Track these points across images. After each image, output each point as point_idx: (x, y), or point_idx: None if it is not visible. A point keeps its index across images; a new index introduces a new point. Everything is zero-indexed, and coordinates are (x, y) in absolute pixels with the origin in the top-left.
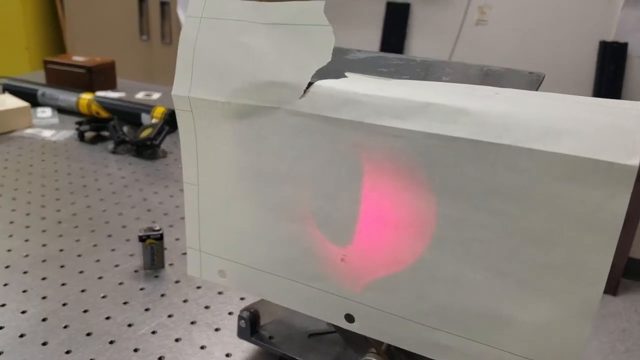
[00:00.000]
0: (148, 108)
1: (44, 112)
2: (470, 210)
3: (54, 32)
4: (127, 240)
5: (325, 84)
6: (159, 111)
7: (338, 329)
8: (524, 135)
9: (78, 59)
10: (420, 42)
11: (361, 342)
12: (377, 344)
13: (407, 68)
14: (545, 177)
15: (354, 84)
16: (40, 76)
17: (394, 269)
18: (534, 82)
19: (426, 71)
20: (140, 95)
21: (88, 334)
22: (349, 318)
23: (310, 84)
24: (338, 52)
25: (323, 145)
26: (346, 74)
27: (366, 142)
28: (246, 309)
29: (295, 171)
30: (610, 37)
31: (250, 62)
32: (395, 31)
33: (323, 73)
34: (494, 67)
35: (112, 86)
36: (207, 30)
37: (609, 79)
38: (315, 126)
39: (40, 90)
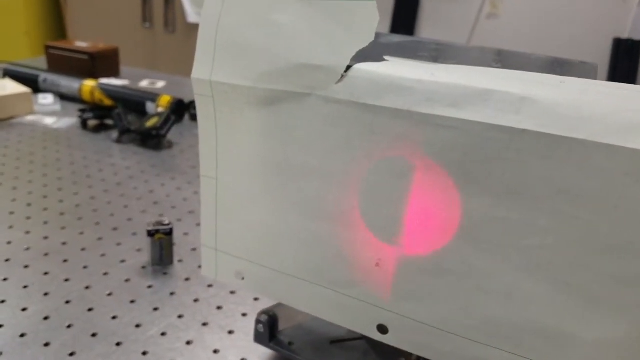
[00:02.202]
0: (153, 97)
1: (46, 99)
2: (533, 213)
3: (55, 18)
4: (134, 234)
5: (366, 68)
6: (165, 100)
7: (365, 337)
8: (601, 128)
9: (81, 44)
10: (430, 36)
11: (389, 351)
12: (408, 353)
13: (451, 53)
14: (624, 178)
15: (398, 69)
16: (41, 62)
17: (437, 277)
18: (590, 72)
19: (471, 58)
20: (144, 84)
21: (93, 335)
22: (382, 329)
23: (348, 68)
24: None
25: (360, 137)
26: (385, 57)
27: (412, 134)
28: (264, 312)
29: (327, 165)
30: (624, 35)
31: (280, 43)
32: (404, 25)
33: (357, 58)
34: (542, 55)
35: (115, 74)
36: (232, 5)
37: (622, 76)
38: (352, 115)
39: (42, 76)
